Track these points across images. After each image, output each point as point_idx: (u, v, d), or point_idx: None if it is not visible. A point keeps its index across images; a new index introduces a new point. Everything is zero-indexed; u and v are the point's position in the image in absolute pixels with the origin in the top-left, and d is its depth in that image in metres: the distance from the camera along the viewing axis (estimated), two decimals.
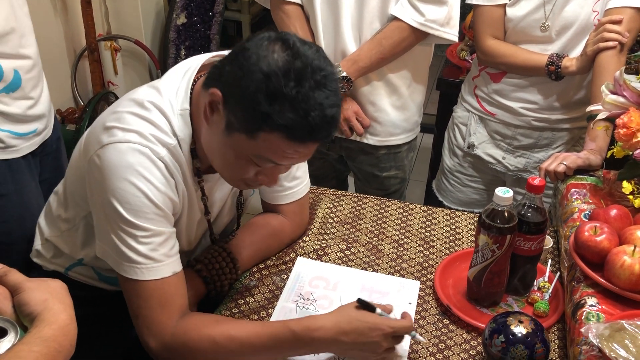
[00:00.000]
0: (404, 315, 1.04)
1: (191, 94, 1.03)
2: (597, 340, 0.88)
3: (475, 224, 1.41)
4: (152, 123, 1.00)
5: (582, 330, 0.93)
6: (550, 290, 1.17)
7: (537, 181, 1.11)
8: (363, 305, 1.01)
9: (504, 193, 1.08)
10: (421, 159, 3.12)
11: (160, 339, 1.01)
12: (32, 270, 1.25)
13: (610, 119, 1.28)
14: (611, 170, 1.37)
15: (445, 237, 1.38)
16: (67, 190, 1.16)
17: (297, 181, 1.28)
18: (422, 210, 1.46)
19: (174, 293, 1.03)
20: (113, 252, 1.01)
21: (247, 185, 1.05)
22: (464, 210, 1.82)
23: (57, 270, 1.24)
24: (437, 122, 2.22)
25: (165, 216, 1.01)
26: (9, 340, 0.67)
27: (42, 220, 1.25)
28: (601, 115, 1.25)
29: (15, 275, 0.72)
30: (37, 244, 1.25)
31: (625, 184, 1.13)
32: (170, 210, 1.03)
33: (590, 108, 1.33)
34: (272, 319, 1.13)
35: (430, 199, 2.03)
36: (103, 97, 2.71)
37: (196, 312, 1.09)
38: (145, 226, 0.98)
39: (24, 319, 0.70)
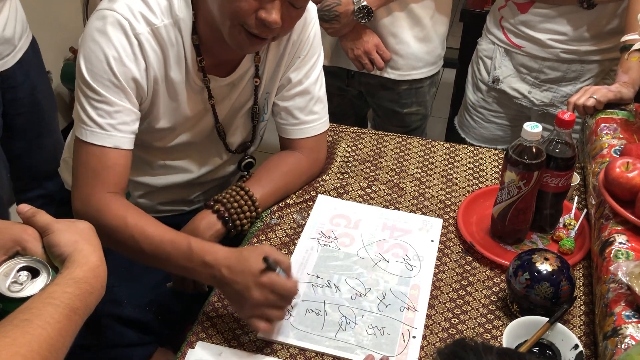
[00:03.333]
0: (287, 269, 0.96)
1: None
2: (627, 278, 0.87)
3: (500, 161, 1.38)
4: (145, 3, 1.03)
5: (611, 268, 0.92)
6: (576, 228, 1.15)
7: (566, 115, 1.06)
8: (267, 264, 0.92)
9: (532, 128, 1.04)
10: (442, 95, 3.05)
11: (82, 203, 1.06)
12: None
13: None
14: None
15: (468, 174, 1.35)
16: None
17: (314, 116, 1.25)
18: (445, 147, 1.43)
19: (110, 166, 1.06)
20: (76, 112, 1.06)
21: (250, 33, 1.01)
22: (488, 147, 1.78)
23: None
24: (460, 56, 2.15)
25: (122, 88, 1.04)
26: (42, 280, 0.68)
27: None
28: (637, 45, 1.19)
29: (43, 217, 0.72)
30: (66, 155, 1.31)
31: None
32: (132, 89, 1.05)
33: (625, 38, 1.26)
34: (294, 256, 1.13)
35: (452, 136, 1.98)
36: None
37: (126, 200, 1.09)
38: (99, 90, 1.02)
39: (54, 260, 0.70)
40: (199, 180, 1.29)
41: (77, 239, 0.70)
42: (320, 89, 1.25)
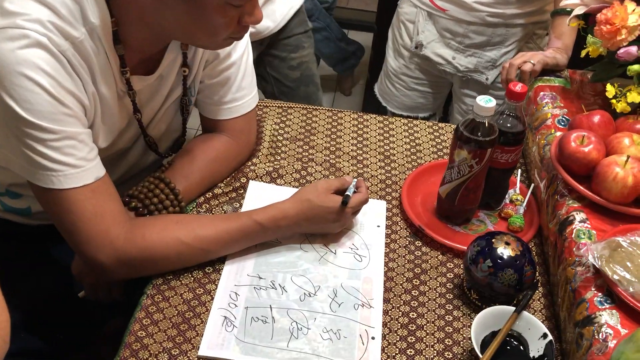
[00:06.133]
0: (358, 184, 1.04)
1: None
2: (599, 263, 0.82)
3: (435, 134, 1.30)
4: (53, 9, 0.81)
5: (581, 252, 0.87)
6: (524, 204, 1.10)
7: (518, 87, 1.00)
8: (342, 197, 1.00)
9: (486, 102, 0.96)
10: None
11: (110, 250, 0.90)
12: None
13: (580, 15, 1.17)
14: (577, 70, 1.29)
15: (405, 149, 1.26)
16: None
17: (243, 92, 1.10)
18: (378, 121, 1.33)
19: (107, 198, 0.90)
20: (22, 160, 0.85)
21: (235, 38, 0.94)
22: (410, 115, 1.72)
23: None
24: (377, 20, 2.05)
25: (76, 115, 0.85)
26: None
27: None
28: (578, 11, 1.14)
29: None
30: None
31: (609, 87, 1.05)
32: (81, 110, 0.86)
33: (565, 2, 1.21)
34: (229, 255, 0.99)
35: (371, 104, 1.90)
36: None
37: (148, 216, 0.99)
38: (53, 128, 0.82)
39: None
40: (120, 180, 1.10)
41: None
42: (248, 59, 1.10)
